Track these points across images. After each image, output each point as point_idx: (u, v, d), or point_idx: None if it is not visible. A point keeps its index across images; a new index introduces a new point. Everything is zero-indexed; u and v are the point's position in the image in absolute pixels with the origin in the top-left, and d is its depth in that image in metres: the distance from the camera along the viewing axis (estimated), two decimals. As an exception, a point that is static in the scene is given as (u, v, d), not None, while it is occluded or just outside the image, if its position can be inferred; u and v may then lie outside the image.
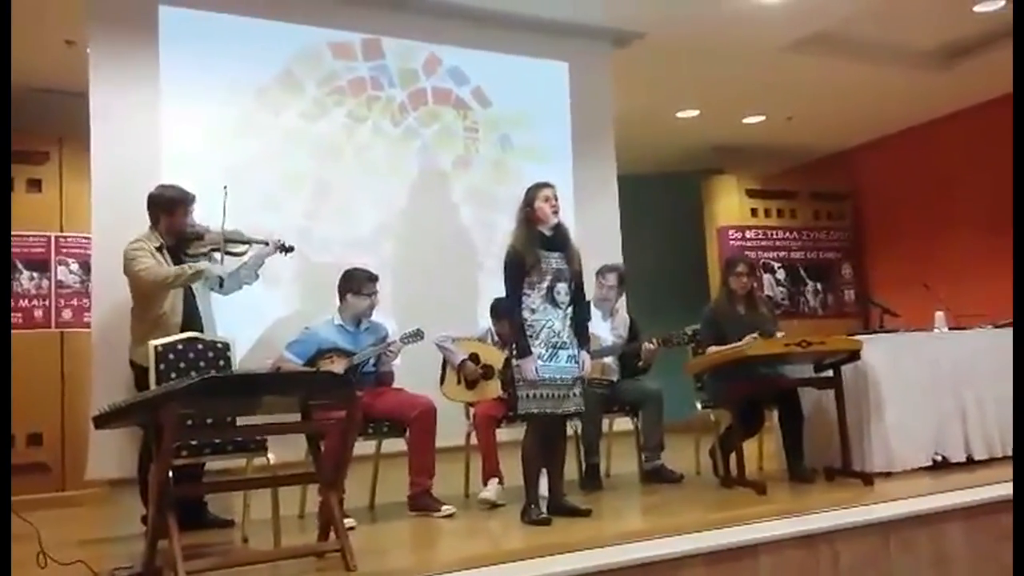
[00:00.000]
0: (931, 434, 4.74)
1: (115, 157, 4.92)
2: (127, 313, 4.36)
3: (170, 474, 3.10)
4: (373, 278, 4.64)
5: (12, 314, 6.15)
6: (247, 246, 4.53)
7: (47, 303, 6.36)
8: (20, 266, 6.29)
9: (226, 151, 5.29)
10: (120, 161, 4.92)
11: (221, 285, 4.46)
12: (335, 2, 5.67)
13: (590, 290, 4.74)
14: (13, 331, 5.87)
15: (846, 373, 4.60)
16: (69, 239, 6.45)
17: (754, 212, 9.22)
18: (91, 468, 4.77)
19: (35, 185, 6.44)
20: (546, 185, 4.09)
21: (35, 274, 6.35)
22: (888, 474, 4.54)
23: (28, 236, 6.33)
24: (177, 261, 4.31)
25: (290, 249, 4.63)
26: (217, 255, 4.42)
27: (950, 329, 5.14)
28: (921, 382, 4.76)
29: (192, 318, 4.27)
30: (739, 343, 4.53)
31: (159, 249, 4.28)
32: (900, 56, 7.21)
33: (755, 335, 4.57)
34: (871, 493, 4.18)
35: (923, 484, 4.31)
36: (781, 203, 9.36)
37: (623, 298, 5.44)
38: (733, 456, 4.58)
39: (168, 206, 4.34)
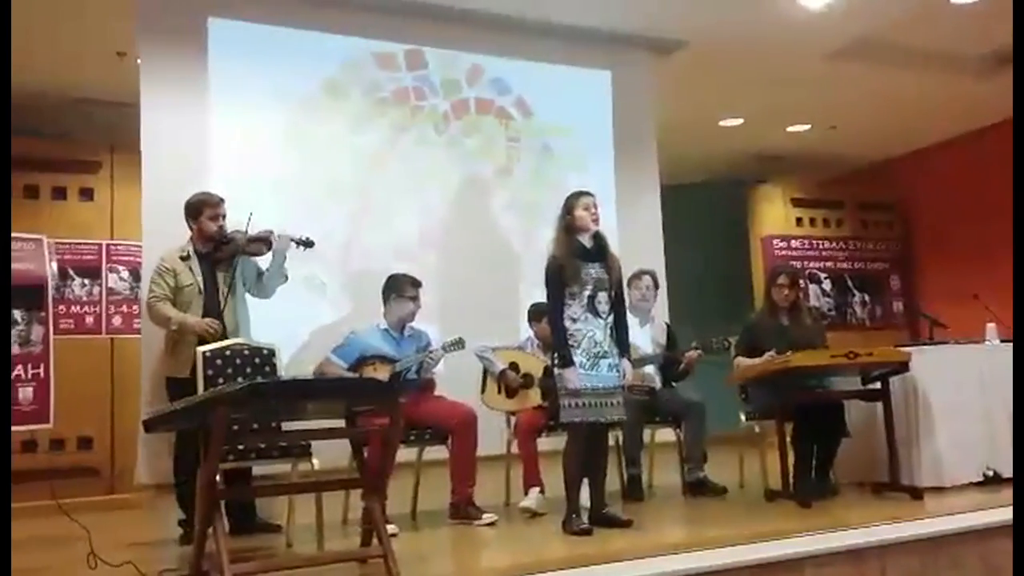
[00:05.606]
0: (982, 448, 4.64)
1: (165, 166, 5.03)
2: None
3: (218, 477, 3.13)
4: (416, 283, 4.67)
5: (65, 320, 6.30)
6: (267, 246, 4.47)
7: (98, 310, 6.50)
8: (72, 273, 6.44)
9: (273, 159, 5.39)
10: (169, 170, 5.02)
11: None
12: (379, 13, 5.74)
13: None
14: (66, 336, 6.02)
15: (894, 386, 4.52)
16: (120, 246, 6.59)
17: (799, 221, 9.12)
18: (140, 472, 4.87)
19: (87, 194, 6.59)
20: (586, 193, 4.09)
21: (87, 281, 6.49)
22: (938, 489, 4.45)
23: (80, 244, 6.48)
24: (212, 267, 4.35)
25: (310, 244, 4.57)
26: (242, 258, 4.44)
27: (1001, 342, 5.03)
28: (971, 395, 4.67)
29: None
30: (768, 357, 4.49)
31: (185, 258, 4.30)
32: (947, 63, 7.08)
33: (772, 353, 4.50)
34: (920, 508, 4.11)
35: (973, 499, 4.23)
36: (827, 212, 9.26)
37: (659, 305, 5.40)
38: (793, 467, 4.47)
39: (193, 211, 4.38)
